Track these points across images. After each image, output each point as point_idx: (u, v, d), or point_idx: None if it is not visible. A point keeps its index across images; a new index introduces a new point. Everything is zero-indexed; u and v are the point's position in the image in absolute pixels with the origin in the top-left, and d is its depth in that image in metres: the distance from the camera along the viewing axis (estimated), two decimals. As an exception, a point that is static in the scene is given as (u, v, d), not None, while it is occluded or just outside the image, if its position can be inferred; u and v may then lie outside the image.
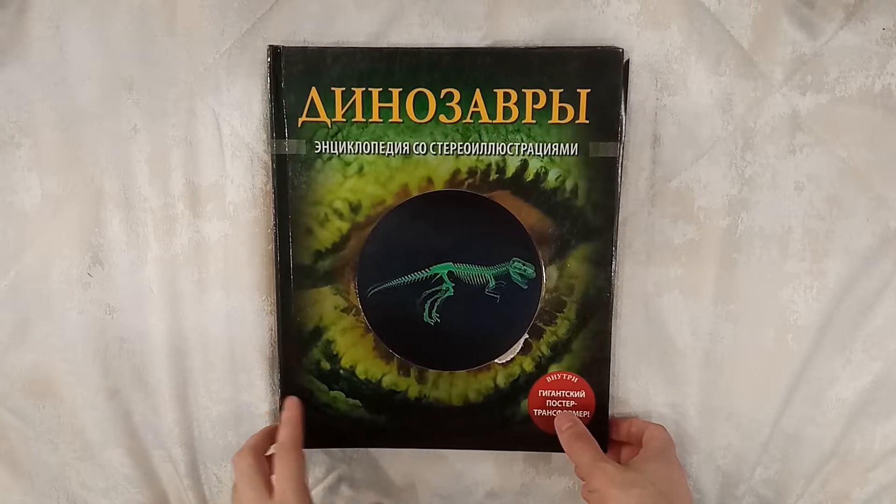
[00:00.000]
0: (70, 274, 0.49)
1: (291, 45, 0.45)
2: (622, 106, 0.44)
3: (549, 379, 0.47)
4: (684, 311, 0.46)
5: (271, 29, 0.45)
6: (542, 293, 0.46)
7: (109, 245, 0.48)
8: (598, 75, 0.43)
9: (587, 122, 0.44)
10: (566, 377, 0.46)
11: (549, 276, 0.46)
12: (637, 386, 0.48)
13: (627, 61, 0.44)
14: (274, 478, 0.42)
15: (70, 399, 0.51)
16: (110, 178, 0.48)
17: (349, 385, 0.48)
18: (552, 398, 0.47)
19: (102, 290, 0.49)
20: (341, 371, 0.48)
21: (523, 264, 0.45)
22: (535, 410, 0.47)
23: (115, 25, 0.46)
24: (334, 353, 0.47)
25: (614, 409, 0.48)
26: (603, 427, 0.47)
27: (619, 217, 0.45)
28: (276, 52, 0.44)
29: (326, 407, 0.48)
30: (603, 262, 0.45)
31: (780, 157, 0.45)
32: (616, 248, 0.45)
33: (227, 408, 0.50)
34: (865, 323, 0.46)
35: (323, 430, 0.48)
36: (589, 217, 0.45)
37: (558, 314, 0.46)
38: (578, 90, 0.43)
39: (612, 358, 0.47)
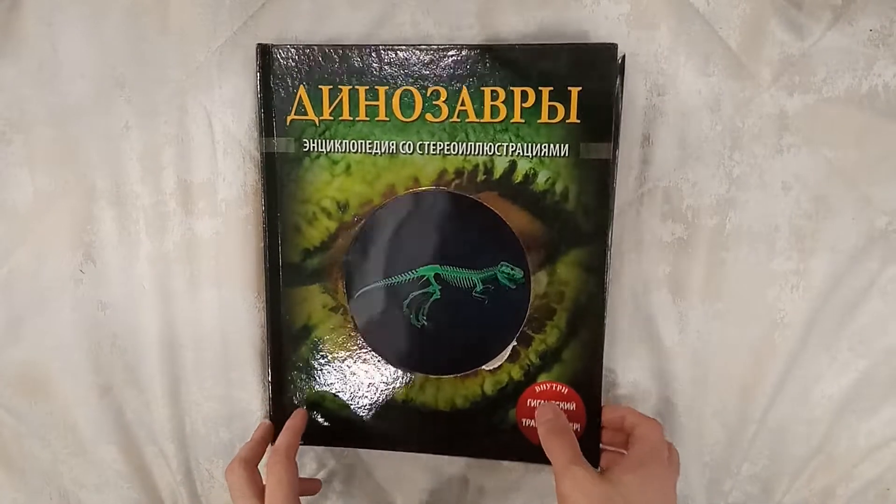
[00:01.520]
0: (62, 271, 0.49)
1: (282, 43, 0.45)
2: (617, 105, 0.42)
3: (537, 388, 0.45)
4: (672, 309, 0.47)
5: (263, 27, 0.45)
6: (531, 300, 0.44)
7: (101, 242, 0.49)
8: (590, 72, 0.42)
9: (578, 121, 0.42)
10: (556, 388, 0.45)
11: (538, 281, 0.44)
12: (626, 382, 0.48)
13: (623, 58, 0.42)
14: (265, 485, 0.42)
15: (62, 395, 0.51)
16: (102, 176, 0.48)
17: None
18: (545, 404, 0.45)
19: (95, 287, 0.49)
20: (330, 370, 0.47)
21: (511, 268, 0.44)
22: (524, 420, 0.46)
23: (108, 23, 0.46)
24: (324, 351, 0.47)
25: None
26: (594, 441, 0.45)
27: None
28: (264, 50, 0.44)
29: (315, 405, 0.48)
30: (595, 270, 0.43)
31: (767, 156, 0.45)
32: (610, 255, 0.44)
33: (219, 404, 0.51)
34: (851, 321, 0.47)
35: (311, 428, 0.48)
36: (580, 222, 0.43)
37: (548, 322, 0.45)
38: (569, 88, 0.42)
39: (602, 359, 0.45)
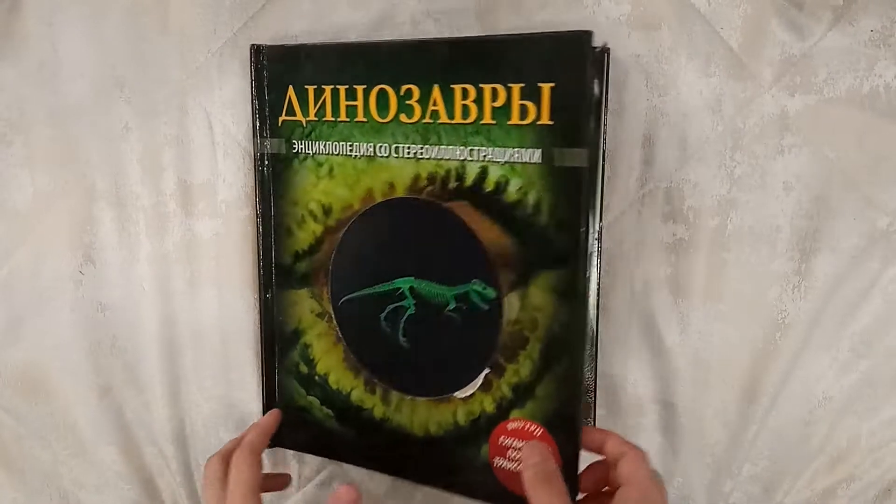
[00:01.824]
0: (62, 272, 0.49)
1: (279, 43, 0.45)
2: (594, 103, 0.36)
3: (509, 426, 0.41)
4: (673, 309, 0.47)
5: (263, 28, 0.45)
6: (503, 324, 0.40)
7: (101, 243, 0.49)
8: (562, 66, 0.36)
9: (551, 122, 0.37)
10: (528, 428, 0.40)
11: (510, 305, 0.39)
12: (626, 383, 0.48)
13: (607, 51, 0.37)
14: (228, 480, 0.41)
15: (62, 396, 0.51)
16: (102, 176, 0.48)
17: (323, 393, 0.46)
18: (514, 448, 0.41)
19: (94, 288, 0.49)
20: (316, 377, 0.46)
21: (484, 287, 0.40)
22: (496, 459, 0.41)
23: (108, 24, 0.46)
24: (310, 357, 0.46)
25: (606, 409, 0.48)
26: (571, 493, 0.39)
27: (607, 220, 0.45)
28: (257, 51, 0.43)
29: (304, 411, 0.47)
30: (570, 295, 0.38)
31: (768, 157, 0.45)
32: (590, 281, 0.39)
33: (218, 405, 0.50)
34: (853, 322, 0.47)
35: (301, 433, 0.47)
36: (553, 239, 0.38)
37: (521, 351, 0.40)
38: (539, 84, 0.36)
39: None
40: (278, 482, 0.49)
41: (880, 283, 0.46)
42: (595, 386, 0.46)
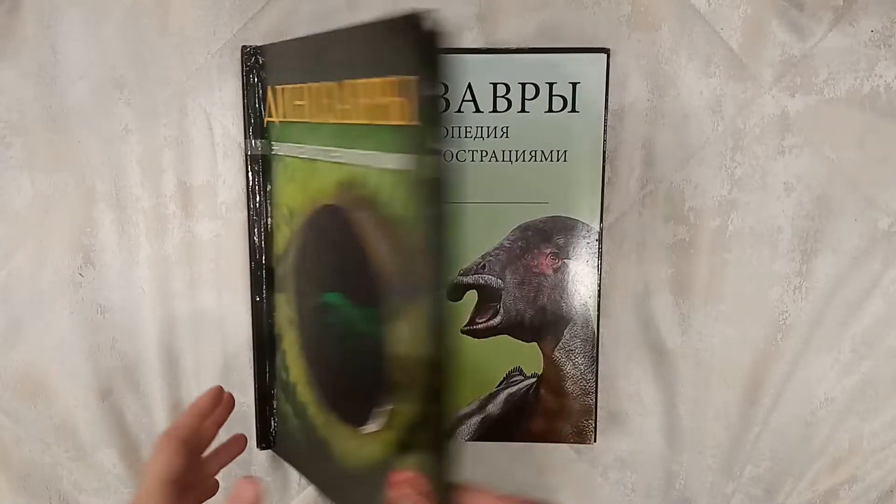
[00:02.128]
0: (62, 274, 0.49)
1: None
2: (431, 99, 0.28)
3: (399, 475, 0.32)
4: (675, 310, 0.47)
5: (262, 29, 0.45)
6: (392, 357, 0.33)
7: (101, 245, 0.48)
8: (423, 56, 0.28)
9: (419, 123, 0.29)
10: (414, 479, 0.31)
11: (396, 334, 0.33)
12: (628, 385, 0.48)
13: (434, 33, 0.27)
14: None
15: (62, 399, 0.51)
16: (102, 178, 0.48)
17: (294, 403, 0.43)
18: (406, 500, 0.32)
19: (94, 291, 0.49)
20: (289, 386, 0.44)
21: (377, 312, 0.34)
22: None
23: (107, 25, 0.46)
24: (286, 365, 0.44)
25: (607, 410, 0.48)
26: None
27: (608, 220, 0.45)
28: (247, 52, 0.43)
29: (286, 417, 0.45)
30: (433, 328, 0.30)
31: (769, 157, 0.45)
32: (445, 311, 0.29)
33: (219, 407, 0.50)
34: (854, 322, 0.47)
35: (284, 439, 0.45)
36: (419, 262, 0.31)
37: (405, 388, 0.33)
38: (401, 78, 0.30)
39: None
40: (233, 450, 0.44)
41: (881, 284, 0.46)
42: (596, 387, 0.46)
